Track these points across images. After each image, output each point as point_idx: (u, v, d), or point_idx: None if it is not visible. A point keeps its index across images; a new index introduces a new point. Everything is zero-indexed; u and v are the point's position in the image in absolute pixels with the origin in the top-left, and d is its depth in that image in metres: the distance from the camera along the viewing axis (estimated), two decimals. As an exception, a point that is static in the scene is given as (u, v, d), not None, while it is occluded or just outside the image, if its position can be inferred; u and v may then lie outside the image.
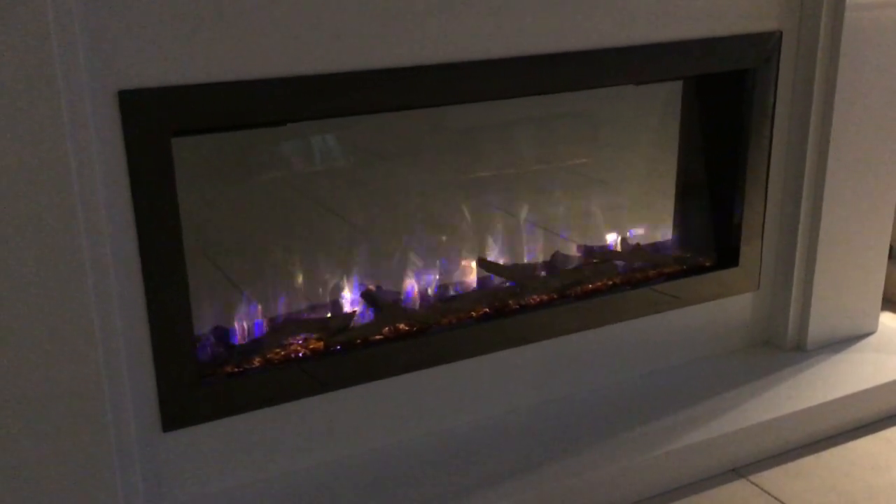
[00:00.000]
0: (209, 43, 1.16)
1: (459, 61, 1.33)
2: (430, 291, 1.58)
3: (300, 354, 1.41)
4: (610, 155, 1.81)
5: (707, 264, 1.73)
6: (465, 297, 1.57)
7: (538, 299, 1.59)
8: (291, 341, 1.43)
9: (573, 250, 1.72)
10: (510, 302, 1.57)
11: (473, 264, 1.64)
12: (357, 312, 1.49)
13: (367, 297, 1.51)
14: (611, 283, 1.66)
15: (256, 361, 1.38)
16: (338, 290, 1.52)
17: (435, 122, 1.59)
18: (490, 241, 1.66)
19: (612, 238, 1.77)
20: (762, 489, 1.47)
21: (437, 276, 1.60)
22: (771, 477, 1.50)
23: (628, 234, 1.78)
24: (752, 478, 1.50)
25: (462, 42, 1.33)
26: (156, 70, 1.14)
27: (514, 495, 1.35)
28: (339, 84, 1.26)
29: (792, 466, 1.53)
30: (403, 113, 1.48)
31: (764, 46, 1.59)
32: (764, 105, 1.63)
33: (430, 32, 1.30)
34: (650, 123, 1.80)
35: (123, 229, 1.17)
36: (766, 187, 1.69)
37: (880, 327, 1.85)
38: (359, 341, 1.44)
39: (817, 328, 1.77)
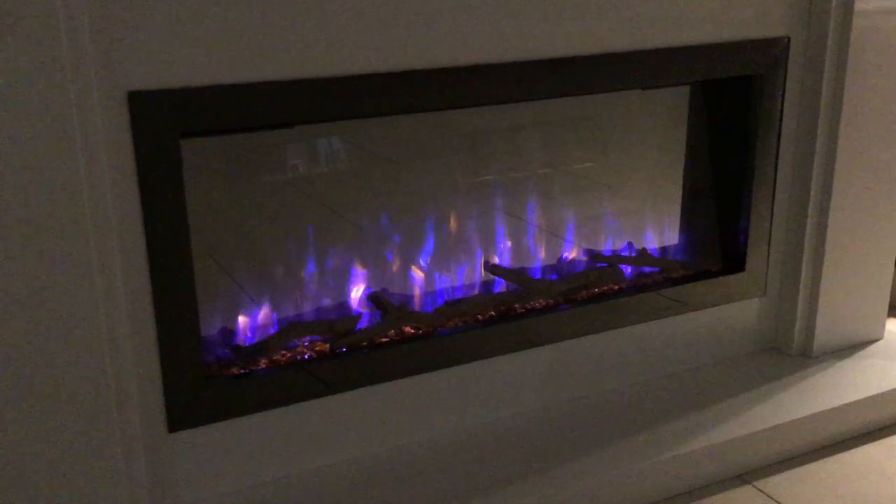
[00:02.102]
0: (218, 45, 1.17)
1: (466, 65, 1.34)
2: (436, 294, 1.58)
3: (306, 356, 1.41)
4: (617, 160, 1.81)
5: (713, 270, 1.73)
6: (471, 300, 1.57)
7: (544, 303, 1.59)
8: (297, 343, 1.43)
9: (579, 255, 1.72)
10: (516, 306, 1.57)
11: (480, 268, 1.64)
12: (363, 315, 1.49)
13: (374, 299, 1.51)
14: (617, 287, 1.66)
15: (262, 363, 1.38)
16: (344, 292, 1.52)
17: (442, 125, 1.59)
18: (496, 244, 1.66)
19: (618, 243, 1.77)
20: (768, 495, 1.47)
21: (443, 280, 1.60)
22: (777, 483, 1.50)
23: (634, 238, 1.78)
24: (757, 484, 1.50)
25: (468, 46, 1.33)
26: (165, 72, 1.14)
27: (519, 499, 1.34)
28: (348, 87, 1.26)
29: (798, 473, 1.53)
30: (412, 116, 1.48)
31: (772, 52, 1.59)
32: (771, 111, 1.63)
33: (436, 36, 1.30)
34: (657, 128, 1.80)
35: (132, 230, 1.18)
36: (773, 193, 1.69)
37: (887, 334, 1.85)
38: (365, 344, 1.44)
39: (823, 334, 1.76)
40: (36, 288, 1.08)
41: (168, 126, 1.16)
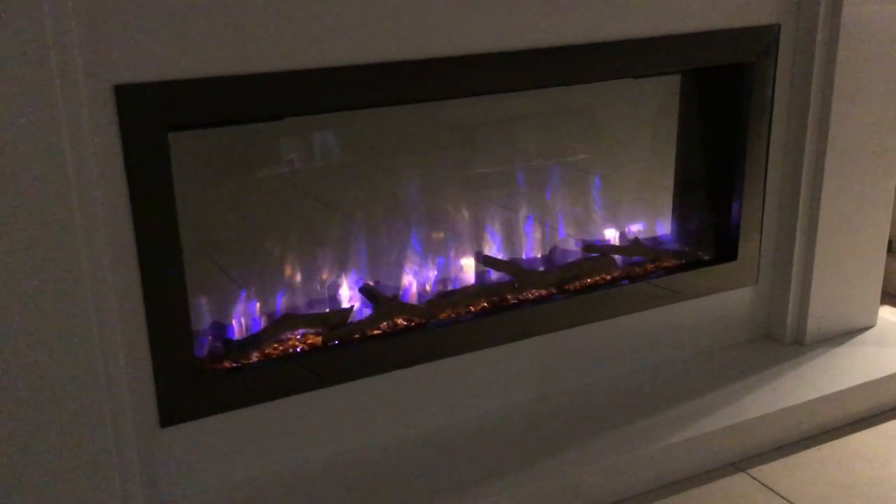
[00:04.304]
0: (206, 37, 1.16)
1: (457, 55, 1.33)
2: (428, 286, 1.58)
3: (298, 350, 1.41)
4: (609, 150, 1.81)
5: (706, 258, 1.73)
6: (464, 291, 1.57)
7: (537, 294, 1.59)
8: (289, 336, 1.43)
9: (572, 245, 1.72)
10: (509, 296, 1.57)
11: (473, 259, 1.63)
12: (355, 307, 1.49)
13: (366, 292, 1.51)
14: (610, 277, 1.66)
15: (254, 357, 1.38)
16: (336, 285, 1.52)
17: (434, 117, 1.59)
18: (490, 235, 1.66)
19: (611, 233, 1.76)
20: (761, 483, 1.47)
21: (436, 271, 1.60)
22: (770, 471, 1.50)
23: (627, 228, 1.78)
24: (750, 471, 1.50)
25: (459, 36, 1.33)
26: (152, 64, 1.14)
27: (513, 489, 1.34)
28: (337, 78, 1.26)
29: (791, 460, 1.53)
30: (403, 108, 1.47)
31: (762, 40, 1.59)
32: (762, 98, 1.63)
33: (427, 26, 1.30)
34: (649, 118, 1.79)
35: (120, 225, 1.17)
36: (765, 181, 1.69)
37: (879, 321, 1.85)
38: (357, 336, 1.44)
39: (816, 322, 1.76)
40: (24, 283, 1.07)
41: (155, 119, 1.16)
